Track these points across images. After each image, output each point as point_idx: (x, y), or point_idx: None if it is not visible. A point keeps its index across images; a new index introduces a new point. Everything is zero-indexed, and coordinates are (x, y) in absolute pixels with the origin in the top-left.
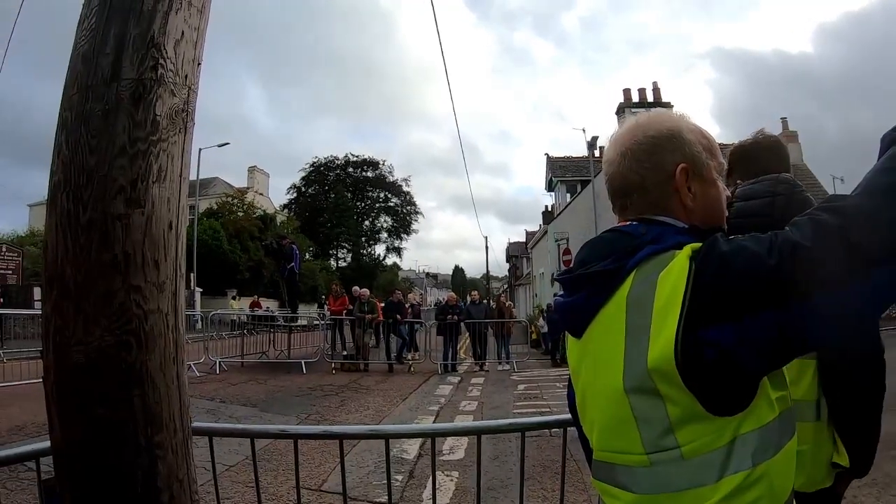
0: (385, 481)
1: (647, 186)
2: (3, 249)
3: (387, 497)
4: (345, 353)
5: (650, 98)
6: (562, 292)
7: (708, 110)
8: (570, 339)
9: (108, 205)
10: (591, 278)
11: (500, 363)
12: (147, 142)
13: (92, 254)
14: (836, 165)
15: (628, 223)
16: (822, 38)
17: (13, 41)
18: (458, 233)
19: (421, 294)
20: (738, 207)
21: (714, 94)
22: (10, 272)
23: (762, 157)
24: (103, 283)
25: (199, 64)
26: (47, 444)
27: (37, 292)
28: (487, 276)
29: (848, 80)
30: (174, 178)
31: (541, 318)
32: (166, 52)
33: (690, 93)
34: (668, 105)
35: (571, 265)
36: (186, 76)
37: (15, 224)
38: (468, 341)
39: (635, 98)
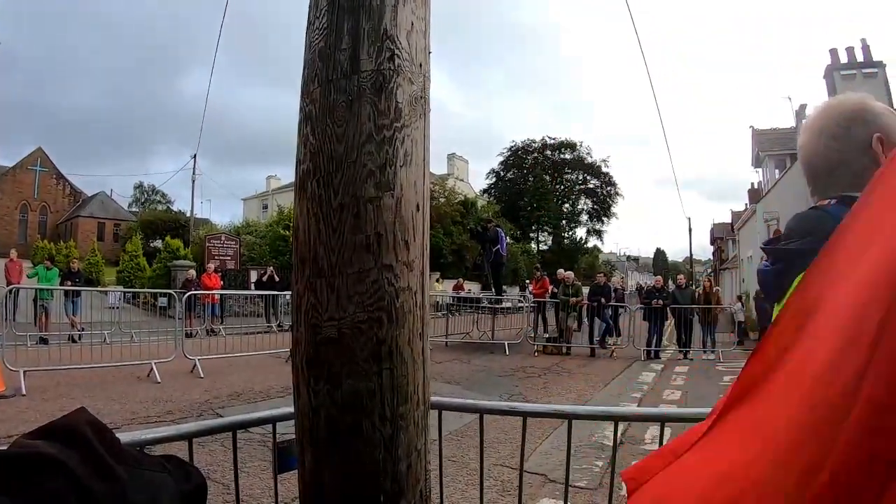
0: (584, 466)
1: (846, 160)
2: (223, 238)
3: (585, 481)
4: (547, 335)
5: (860, 58)
6: (766, 259)
7: None
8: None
9: (359, 189)
10: (788, 253)
11: (704, 352)
12: (392, 128)
13: (345, 235)
14: None
15: (830, 202)
16: None
17: (221, 53)
18: (659, 213)
19: (622, 277)
20: None
21: None
22: (229, 258)
23: None
24: (357, 263)
25: (429, 52)
26: (282, 409)
27: (252, 275)
28: (691, 260)
29: None
30: (419, 163)
31: (737, 304)
32: (400, 43)
33: None
34: (880, 64)
35: (780, 236)
36: (420, 64)
37: (232, 216)
38: (672, 327)
39: (843, 59)
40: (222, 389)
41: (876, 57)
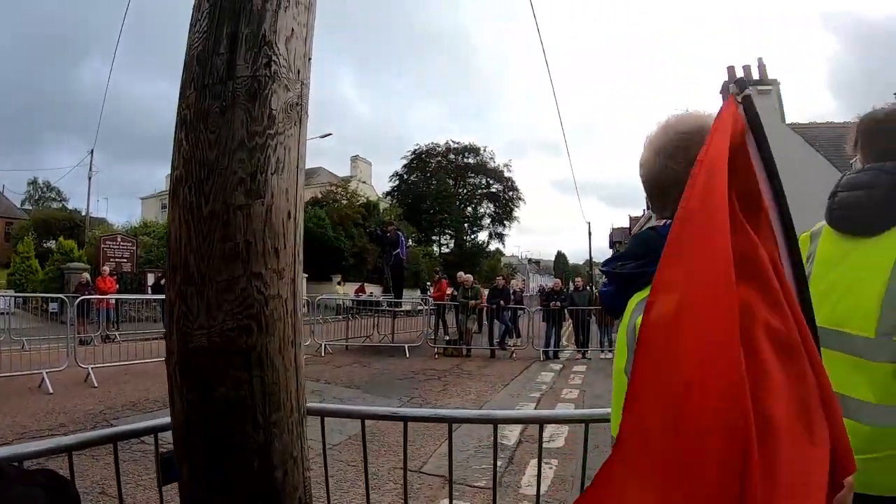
0: (484, 466)
1: (683, 179)
2: (119, 239)
3: (485, 481)
4: (447, 338)
5: (756, 75)
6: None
7: (824, 82)
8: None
9: (229, 196)
10: (621, 277)
11: (602, 351)
12: (265, 135)
13: (214, 243)
14: None
15: (665, 222)
16: None
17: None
18: (560, 217)
19: (523, 280)
20: (840, 199)
21: (828, 66)
22: (125, 260)
23: (890, 135)
24: (226, 271)
25: (309, 59)
26: (165, 419)
27: (150, 278)
28: (590, 263)
29: None
30: (291, 170)
31: None
32: (278, 49)
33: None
34: (775, 82)
35: (621, 253)
36: (299, 71)
37: (129, 216)
38: (571, 328)
39: (740, 75)
40: (117, 399)
41: (771, 75)
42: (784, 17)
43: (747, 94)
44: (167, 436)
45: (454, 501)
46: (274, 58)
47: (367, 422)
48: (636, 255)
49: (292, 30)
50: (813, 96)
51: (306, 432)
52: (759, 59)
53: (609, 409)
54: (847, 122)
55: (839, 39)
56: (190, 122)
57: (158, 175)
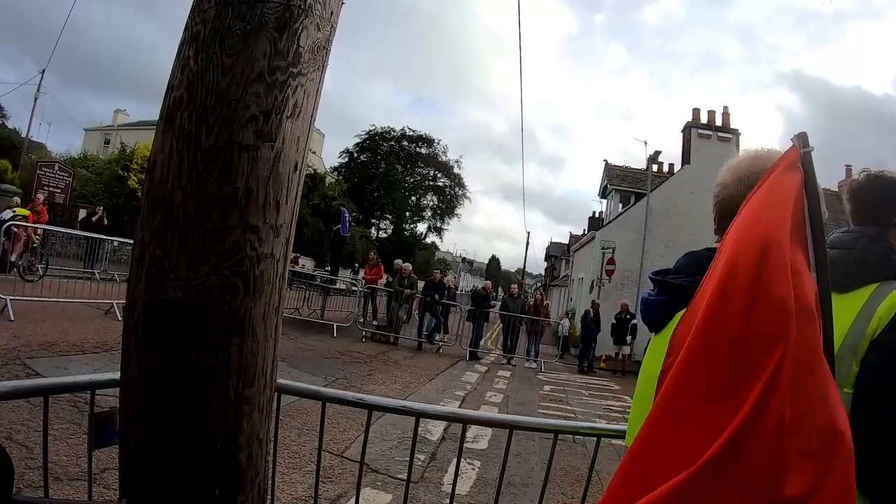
0: (407, 458)
1: None
2: (57, 168)
3: (406, 474)
4: (375, 323)
5: (718, 122)
6: (653, 289)
7: (776, 137)
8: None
9: (237, 133)
10: (676, 288)
11: (527, 360)
12: (287, 73)
13: (210, 183)
14: None
15: None
16: None
17: None
18: (500, 222)
19: (455, 277)
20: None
21: (785, 121)
22: (59, 191)
23: (868, 199)
24: (218, 217)
25: (342, 2)
26: (105, 375)
27: (81, 213)
28: (523, 272)
29: None
30: (307, 117)
31: (564, 320)
32: None
33: (759, 117)
34: (735, 131)
35: (669, 268)
36: (332, 13)
37: (69, 146)
38: (496, 332)
39: (703, 119)
40: (33, 337)
41: (733, 125)
42: (755, 67)
43: (807, 151)
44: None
45: (375, 491)
46: None
47: (289, 398)
48: (692, 271)
49: None
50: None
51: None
52: (725, 108)
53: (534, 419)
54: None
55: (801, 99)
56: (203, 41)
57: (105, 108)
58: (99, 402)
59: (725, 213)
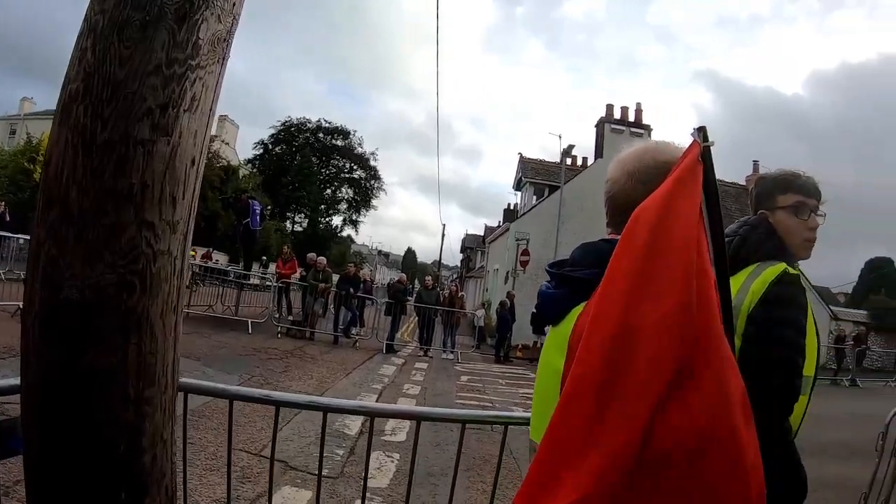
0: (326, 454)
1: None
2: None
3: (326, 470)
4: (291, 318)
5: (631, 118)
6: (549, 281)
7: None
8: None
9: (133, 126)
10: (574, 281)
11: (444, 351)
12: (185, 65)
13: (105, 178)
14: None
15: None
16: (817, 84)
17: None
18: (416, 214)
19: (371, 270)
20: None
21: (699, 119)
22: None
23: (755, 194)
24: (113, 213)
25: None
26: (8, 380)
27: None
28: (439, 263)
29: (836, 129)
30: (205, 111)
31: (480, 311)
32: None
33: (674, 114)
34: (647, 127)
35: (566, 259)
36: (234, 4)
37: None
38: (413, 324)
39: (617, 115)
40: None
41: (647, 121)
42: (672, 66)
43: (707, 145)
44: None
45: (296, 489)
46: None
47: (202, 398)
48: (590, 263)
49: None
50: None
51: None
52: (638, 104)
53: (445, 410)
54: None
55: (715, 97)
56: (101, 31)
57: (10, 96)
58: (8, 411)
59: (617, 207)
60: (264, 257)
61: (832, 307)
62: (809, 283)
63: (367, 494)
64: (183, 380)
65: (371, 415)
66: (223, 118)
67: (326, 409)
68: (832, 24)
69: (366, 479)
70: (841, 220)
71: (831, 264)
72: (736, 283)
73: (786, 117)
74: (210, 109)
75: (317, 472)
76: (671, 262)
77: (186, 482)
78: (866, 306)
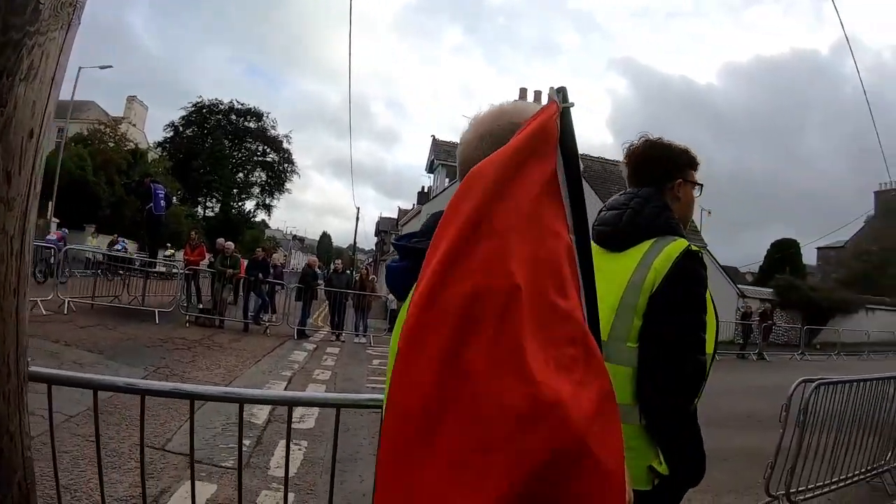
0: (232, 445)
1: None
2: None
3: (232, 461)
4: (200, 306)
5: (544, 101)
6: (397, 256)
7: (604, 120)
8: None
9: None
10: (417, 253)
11: (356, 335)
12: (23, 31)
13: None
14: (712, 198)
15: None
16: (729, 75)
17: None
18: (332, 198)
19: (285, 255)
20: (601, 216)
21: (613, 105)
22: None
23: (644, 162)
24: None
25: None
26: None
27: None
28: (354, 247)
29: (747, 119)
30: (45, 80)
31: (391, 294)
32: None
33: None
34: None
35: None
36: None
37: None
38: (325, 310)
39: (530, 98)
40: None
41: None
42: (589, 53)
43: (567, 106)
44: None
45: (200, 482)
46: None
47: (107, 392)
48: (432, 232)
49: None
50: (595, 130)
51: (28, 402)
52: (551, 88)
53: (361, 396)
54: (618, 160)
55: (630, 83)
56: None
57: None
58: None
59: (467, 169)
60: (169, 244)
61: (740, 286)
62: (717, 263)
63: (274, 484)
64: (42, 369)
65: (289, 404)
66: (132, 99)
67: (243, 401)
68: (748, 20)
69: (287, 469)
70: (753, 205)
71: (743, 246)
72: (630, 260)
73: (698, 106)
74: (52, 78)
75: (221, 465)
76: (493, 242)
77: (102, 479)
78: (772, 284)
